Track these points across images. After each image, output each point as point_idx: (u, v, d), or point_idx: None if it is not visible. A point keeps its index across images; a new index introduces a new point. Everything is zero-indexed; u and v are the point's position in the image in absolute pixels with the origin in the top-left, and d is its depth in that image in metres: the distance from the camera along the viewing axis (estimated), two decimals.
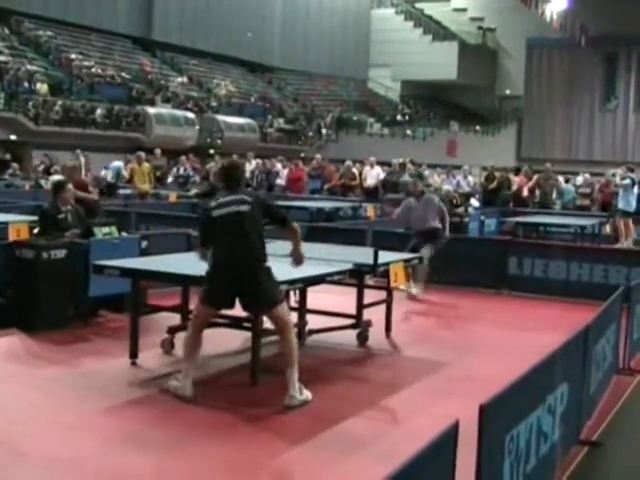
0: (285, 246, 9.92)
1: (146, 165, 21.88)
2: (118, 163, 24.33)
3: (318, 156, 28.30)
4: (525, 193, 23.20)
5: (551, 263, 12.98)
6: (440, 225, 12.67)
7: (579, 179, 26.23)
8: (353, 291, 9.17)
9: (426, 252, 12.06)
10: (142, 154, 22.80)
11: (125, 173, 23.64)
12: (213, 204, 7.11)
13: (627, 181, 18.97)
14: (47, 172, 25.25)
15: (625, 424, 6.91)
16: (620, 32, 45.92)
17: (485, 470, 3.92)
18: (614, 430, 6.64)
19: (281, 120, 46.73)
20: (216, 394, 7.22)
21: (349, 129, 49.63)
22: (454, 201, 18.19)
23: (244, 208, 6.99)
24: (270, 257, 8.90)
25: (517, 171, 25.09)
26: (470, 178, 26.06)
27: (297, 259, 7.46)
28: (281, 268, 8.26)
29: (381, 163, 26.07)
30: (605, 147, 49.12)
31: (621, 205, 18.87)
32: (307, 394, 7.00)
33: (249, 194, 7.29)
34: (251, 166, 26.85)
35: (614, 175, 21.77)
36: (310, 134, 47.41)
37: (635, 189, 19.21)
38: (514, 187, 23.50)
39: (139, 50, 45.86)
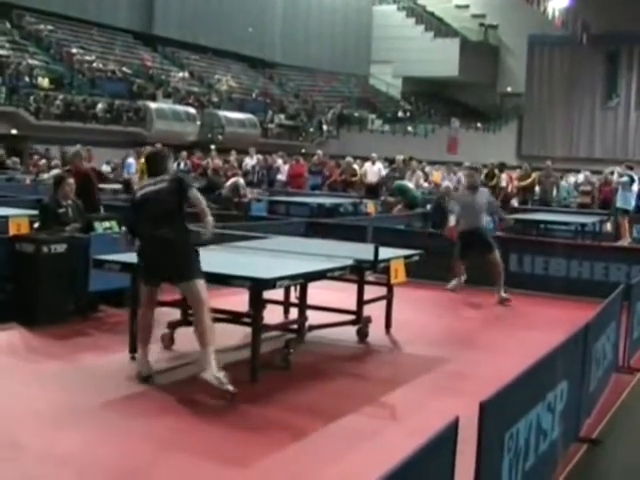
0: (286, 241, 9.93)
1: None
2: (132, 159, 24.33)
3: (319, 152, 28.32)
4: (509, 189, 23.23)
5: (551, 261, 12.97)
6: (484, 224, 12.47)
7: (580, 177, 26.20)
8: (353, 287, 9.15)
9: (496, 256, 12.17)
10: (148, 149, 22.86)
11: (136, 168, 23.76)
12: (137, 188, 7.58)
13: (625, 179, 18.89)
14: (49, 167, 25.25)
15: (624, 422, 6.91)
16: (622, 30, 45.85)
17: (484, 467, 3.92)
18: (613, 428, 6.64)
19: (282, 116, 46.71)
20: (215, 390, 7.21)
21: (350, 125, 49.62)
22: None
23: (161, 186, 7.32)
24: (269, 252, 8.94)
25: (502, 167, 24.93)
26: None
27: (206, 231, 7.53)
28: (282, 263, 8.28)
29: (382, 160, 26.04)
30: (606, 145, 49.05)
31: (619, 204, 18.80)
32: (225, 381, 6.86)
33: (170, 175, 7.56)
34: (252, 161, 26.85)
35: (612, 173, 21.72)
36: (311, 130, 47.42)
37: (635, 187, 19.13)
38: (502, 184, 23.51)
39: (140, 45, 45.82)
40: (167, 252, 7.17)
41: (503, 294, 12.03)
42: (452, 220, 12.36)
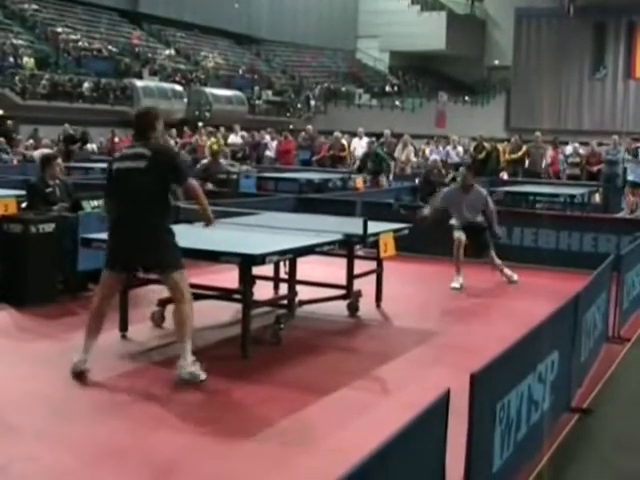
0: (275, 217, 9.91)
1: None
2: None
3: (310, 127, 28.18)
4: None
5: (541, 232, 12.98)
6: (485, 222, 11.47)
7: (568, 148, 26.19)
8: (343, 262, 9.15)
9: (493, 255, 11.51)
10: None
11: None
12: (117, 155, 7.13)
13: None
14: (35, 147, 25.16)
15: (615, 392, 6.94)
16: (609, 1, 45.73)
17: (476, 438, 3.92)
18: (604, 397, 6.67)
19: (269, 92, 46.54)
20: (206, 367, 7.20)
21: (338, 100, 49.45)
22: (442, 171, 18.08)
23: (140, 164, 6.64)
24: (258, 228, 8.92)
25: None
26: (459, 148, 26.01)
27: (206, 221, 7.07)
28: (271, 239, 8.26)
29: (370, 134, 25.99)
30: (594, 117, 49.00)
31: (631, 177, 18.73)
32: (201, 372, 6.70)
33: (152, 148, 6.74)
34: (237, 138, 26.69)
35: (619, 144, 21.64)
36: (299, 106, 47.26)
37: None
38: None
39: (126, 23, 45.48)
40: (138, 241, 6.71)
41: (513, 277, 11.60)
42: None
